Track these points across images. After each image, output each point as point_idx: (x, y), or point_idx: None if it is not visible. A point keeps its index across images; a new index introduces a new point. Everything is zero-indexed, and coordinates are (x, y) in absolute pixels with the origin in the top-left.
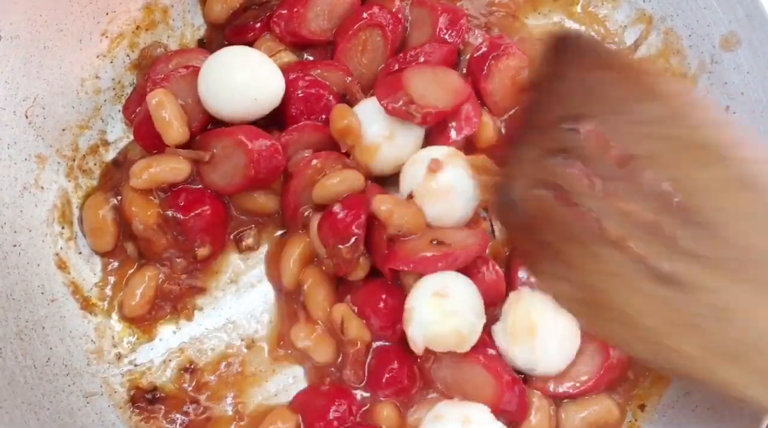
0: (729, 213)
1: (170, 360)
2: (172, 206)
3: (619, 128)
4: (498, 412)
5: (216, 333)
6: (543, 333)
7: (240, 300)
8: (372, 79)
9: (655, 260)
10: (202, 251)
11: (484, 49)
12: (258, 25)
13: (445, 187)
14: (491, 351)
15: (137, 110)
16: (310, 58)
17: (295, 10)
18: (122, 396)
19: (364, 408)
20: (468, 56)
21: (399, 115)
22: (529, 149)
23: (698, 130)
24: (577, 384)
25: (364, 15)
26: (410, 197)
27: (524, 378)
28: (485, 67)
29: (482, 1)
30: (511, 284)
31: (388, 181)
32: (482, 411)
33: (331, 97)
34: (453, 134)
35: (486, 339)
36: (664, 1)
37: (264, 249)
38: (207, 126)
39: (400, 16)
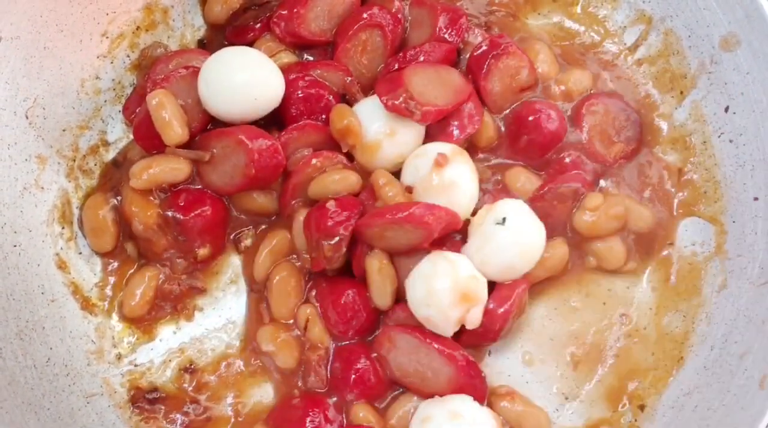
0: None
1: (170, 361)
2: (172, 206)
3: None
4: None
5: (216, 333)
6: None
7: (240, 300)
8: (372, 80)
9: None
10: (203, 252)
11: (484, 47)
12: (258, 25)
13: (448, 183)
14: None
15: (137, 111)
16: (310, 58)
17: (295, 10)
18: (122, 397)
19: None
20: (468, 55)
21: (399, 112)
22: None
23: None
24: None
25: (364, 15)
26: (409, 190)
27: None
28: (485, 66)
29: (482, 0)
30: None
31: None
32: (465, 402)
33: (330, 97)
34: (456, 132)
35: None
36: (664, 2)
37: None
38: (207, 126)
39: (399, 16)
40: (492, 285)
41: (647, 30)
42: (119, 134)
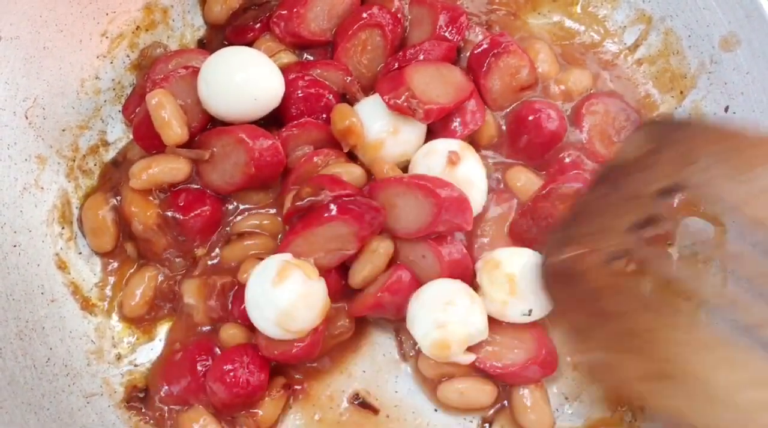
0: None
1: None
2: (171, 206)
3: (733, 191)
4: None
5: None
6: (521, 279)
7: None
8: (372, 79)
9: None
10: (202, 252)
11: (484, 46)
12: (258, 25)
13: (463, 179)
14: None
15: (136, 110)
16: (310, 58)
17: (295, 10)
18: (122, 397)
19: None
20: (468, 54)
21: (400, 110)
22: (615, 219)
23: None
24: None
25: (364, 15)
26: None
27: None
28: (485, 65)
29: None
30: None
31: None
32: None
33: (330, 97)
34: (459, 129)
35: None
36: (663, 2)
37: None
38: (207, 126)
39: (399, 15)
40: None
41: (647, 30)
42: (119, 134)
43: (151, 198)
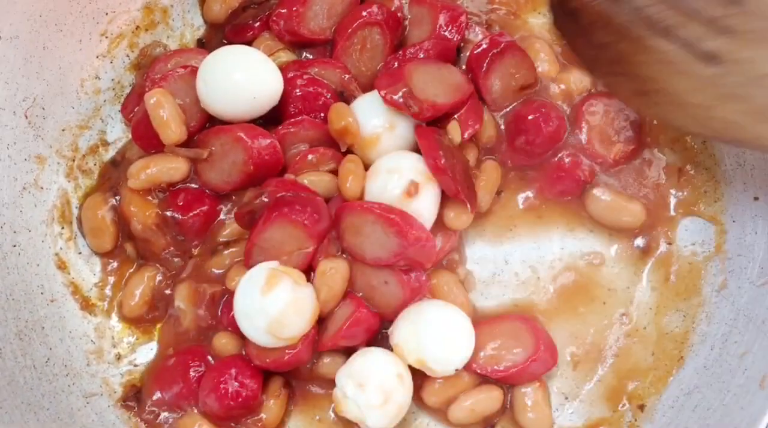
0: None
1: None
2: (170, 205)
3: None
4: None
5: None
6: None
7: None
8: (371, 78)
9: (699, 42)
10: (199, 252)
11: (484, 45)
12: (257, 24)
13: (414, 213)
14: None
15: (135, 110)
16: (310, 56)
17: (294, 9)
18: (121, 396)
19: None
20: (468, 53)
21: (396, 106)
22: None
23: None
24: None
25: (363, 13)
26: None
27: None
28: (485, 64)
29: None
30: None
31: None
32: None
33: (329, 96)
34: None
35: None
36: None
37: None
38: (205, 125)
39: (399, 14)
40: None
41: None
42: (119, 133)
43: (150, 198)
